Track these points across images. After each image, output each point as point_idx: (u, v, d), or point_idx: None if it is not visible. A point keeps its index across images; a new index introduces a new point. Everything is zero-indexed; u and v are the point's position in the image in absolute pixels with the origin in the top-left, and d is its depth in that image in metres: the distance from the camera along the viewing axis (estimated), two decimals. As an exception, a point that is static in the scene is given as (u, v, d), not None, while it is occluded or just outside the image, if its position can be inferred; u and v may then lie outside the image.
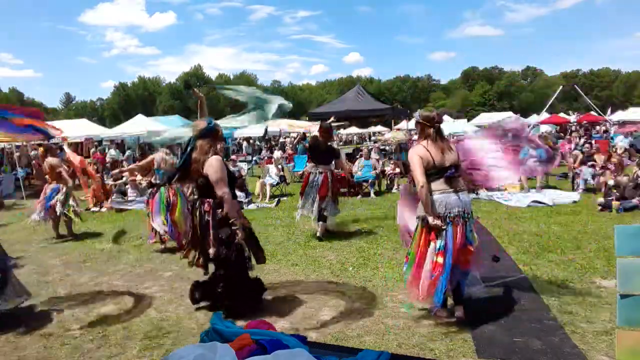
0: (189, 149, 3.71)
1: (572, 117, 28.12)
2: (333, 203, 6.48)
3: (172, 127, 4.12)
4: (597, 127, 24.54)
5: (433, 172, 3.41)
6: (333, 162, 6.69)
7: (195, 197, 3.83)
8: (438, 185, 3.42)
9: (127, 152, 18.68)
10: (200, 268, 3.81)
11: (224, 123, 4.19)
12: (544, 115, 23.49)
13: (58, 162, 7.28)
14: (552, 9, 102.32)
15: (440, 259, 3.31)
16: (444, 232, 3.34)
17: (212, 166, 3.54)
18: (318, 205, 6.29)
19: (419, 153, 3.43)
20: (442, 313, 3.54)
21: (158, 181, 6.24)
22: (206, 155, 3.60)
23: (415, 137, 25.52)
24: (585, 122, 27.57)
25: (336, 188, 6.65)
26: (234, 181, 3.91)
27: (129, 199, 10.48)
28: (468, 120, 37.11)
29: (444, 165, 3.43)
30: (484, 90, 70.53)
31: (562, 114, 29.25)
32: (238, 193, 6.40)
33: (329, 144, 6.62)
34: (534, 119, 24.50)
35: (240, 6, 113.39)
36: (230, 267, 3.68)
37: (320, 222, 6.37)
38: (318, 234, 6.36)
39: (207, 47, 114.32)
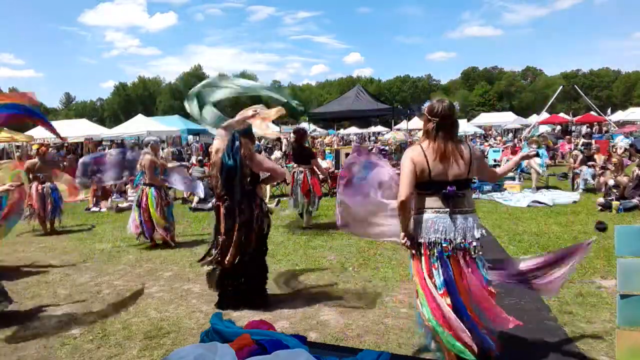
0: (235, 146, 3.82)
1: (569, 118, 28.12)
2: (315, 199, 7.24)
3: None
4: (596, 127, 24.52)
5: (427, 185, 2.62)
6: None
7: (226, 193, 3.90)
8: (432, 202, 2.62)
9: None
10: (227, 264, 3.86)
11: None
12: (544, 115, 23.50)
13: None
14: (551, 10, 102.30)
15: (448, 300, 2.51)
16: (440, 265, 2.55)
17: (259, 157, 4.00)
18: (302, 201, 7.14)
19: (413, 158, 2.61)
20: None
21: (141, 182, 6.57)
22: (251, 151, 3.94)
23: (415, 138, 25.35)
24: (585, 123, 27.57)
25: (315, 185, 7.22)
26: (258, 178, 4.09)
27: (129, 198, 10.48)
28: (468, 120, 37.11)
29: (444, 179, 2.59)
30: (484, 90, 70.51)
31: (562, 114, 29.22)
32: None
33: (305, 145, 7.63)
34: (534, 119, 24.52)
35: (240, 7, 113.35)
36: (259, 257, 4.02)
37: (305, 214, 7.27)
38: (304, 225, 7.23)
39: (207, 48, 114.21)
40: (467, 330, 2.46)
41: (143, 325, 3.68)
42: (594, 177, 9.65)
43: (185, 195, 10.90)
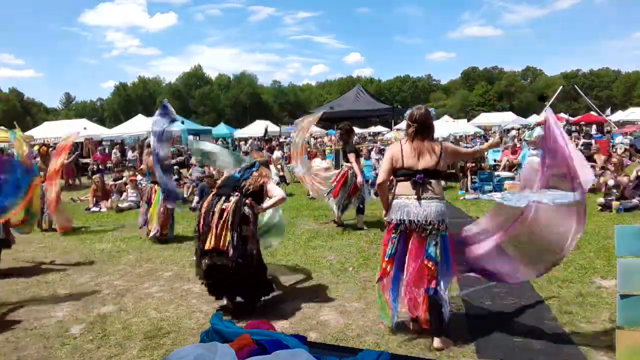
0: (251, 170, 4.13)
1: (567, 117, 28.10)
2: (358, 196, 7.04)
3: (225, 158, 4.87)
4: (595, 127, 24.52)
5: (400, 173, 3.24)
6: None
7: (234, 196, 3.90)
8: (402, 188, 3.23)
9: (130, 154, 18.69)
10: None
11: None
12: (544, 115, 23.47)
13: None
14: (551, 10, 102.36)
15: (388, 267, 3.21)
16: (395, 239, 3.18)
17: (269, 186, 4.09)
18: (345, 201, 7.04)
19: (392, 151, 3.31)
20: (409, 325, 3.37)
21: (149, 180, 6.94)
22: (266, 178, 4.10)
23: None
24: (583, 122, 27.56)
25: (354, 184, 6.91)
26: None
27: (129, 198, 10.48)
28: (468, 121, 37.11)
29: (414, 168, 3.18)
30: (484, 90, 70.50)
31: (562, 114, 29.21)
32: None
33: (348, 142, 7.16)
34: (534, 119, 24.50)
35: (240, 7, 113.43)
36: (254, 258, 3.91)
37: (359, 215, 7.14)
38: (358, 225, 7.11)
39: (207, 48, 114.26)
40: (390, 292, 3.22)
41: (143, 325, 3.68)
42: (593, 177, 9.65)
43: (185, 195, 10.89)
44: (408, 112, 3.35)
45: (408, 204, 3.15)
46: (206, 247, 3.67)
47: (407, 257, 3.15)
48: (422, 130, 3.22)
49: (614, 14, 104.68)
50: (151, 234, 6.65)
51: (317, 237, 6.58)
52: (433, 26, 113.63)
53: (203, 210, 3.89)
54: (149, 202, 6.76)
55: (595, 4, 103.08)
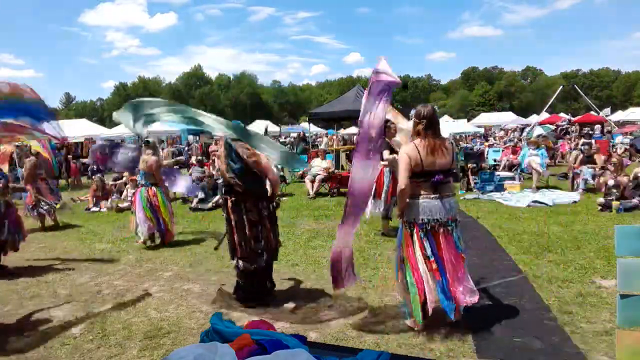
0: (234, 150, 3.94)
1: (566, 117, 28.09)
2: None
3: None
4: (595, 126, 24.51)
5: (420, 174, 3.22)
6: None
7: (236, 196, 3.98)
8: (423, 189, 3.24)
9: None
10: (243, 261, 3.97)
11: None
12: (544, 115, 23.50)
13: None
14: (551, 10, 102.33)
15: (434, 266, 3.20)
16: (427, 240, 3.20)
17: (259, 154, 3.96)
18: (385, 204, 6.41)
19: (408, 152, 3.23)
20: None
21: (142, 182, 6.49)
22: (254, 155, 3.92)
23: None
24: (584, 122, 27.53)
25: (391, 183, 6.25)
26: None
27: (129, 198, 10.47)
28: (468, 120, 37.11)
29: (433, 169, 3.22)
30: (484, 90, 70.51)
31: (562, 114, 29.22)
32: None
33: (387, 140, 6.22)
34: (534, 119, 24.51)
35: (240, 7, 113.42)
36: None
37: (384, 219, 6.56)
38: (383, 231, 6.56)
39: (207, 48, 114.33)
40: (434, 295, 3.18)
41: (143, 325, 3.68)
42: (594, 177, 9.64)
43: (185, 195, 10.89)
44: (414, 111, 3.37)
45: (431, 203, 3.21)
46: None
47: (442, 253, 3.21)
48: (431, 126, 3.25)
49: (614, 14, 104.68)
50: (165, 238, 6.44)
51: (317, 237, 6.57)
52: (433, 26, 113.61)
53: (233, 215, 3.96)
54: (155, 208, 6.30)
55: (595, 4, 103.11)
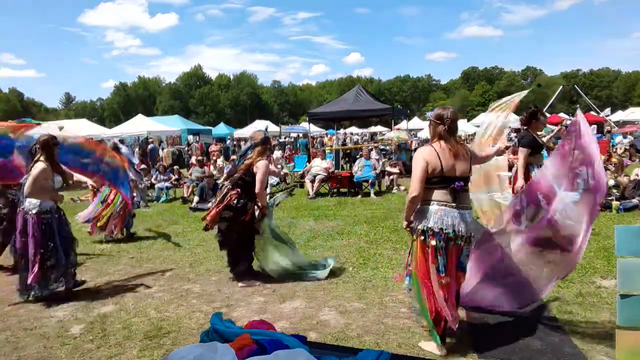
0: (248, 152, 4.69)
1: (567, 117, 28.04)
2: None
3: None
4: (591, 126, 24.53)
5: (438, 180, 2.93)
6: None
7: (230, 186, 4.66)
8: (440, 195, 2.94)
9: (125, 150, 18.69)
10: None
11: None
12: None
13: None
14: (550, 10, 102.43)
15: (445, 280, 2.91)
16: (442, 251, 2.89)
17: (260, 167, 4.56)
18: None
19: (426, 156, 2.93)
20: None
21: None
22: (260, 157, 4.61)
23: (415, 138, 25.19)
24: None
25: None
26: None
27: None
28: (468, 120, 37.09)
29: (453, 175, 2.94)
30: (484, 90, 70.53)
31: (562, 114, 29.19)
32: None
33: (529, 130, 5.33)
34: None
35: (240, 7, 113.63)
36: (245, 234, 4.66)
37: None
38: None
39: (207, 48, 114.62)
40: (446, 309, 2.87)
41: (143, 325, 3.68)
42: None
43: (185, 195, 10.90)
44: (430, 113, 3.17)
45: (449, 212, 2.90)
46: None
47: (450, 271, 2.95)
48: (453, 130, 3.01)
49: (613, 14, 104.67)
50: (105, 234, 6.68)
51: (317, 237, 6.57)
52: (433, 26, 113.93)
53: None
54: (104, 202, 6.66)
55: (595, 4, 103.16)
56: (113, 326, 3.69)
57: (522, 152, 5.14)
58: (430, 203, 2.94)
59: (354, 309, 3.86)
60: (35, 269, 4.13)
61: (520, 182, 5.13)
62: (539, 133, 5.46)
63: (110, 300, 4.32)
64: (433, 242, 2.88)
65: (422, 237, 2.94)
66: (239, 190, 4.58)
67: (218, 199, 4.68)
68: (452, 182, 2.92)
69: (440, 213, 2.90)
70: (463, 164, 2.98)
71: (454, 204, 2.92)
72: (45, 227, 4.23)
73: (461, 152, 2.99)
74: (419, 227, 2.96)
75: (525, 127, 5.28)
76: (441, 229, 2.87)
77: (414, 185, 2.92)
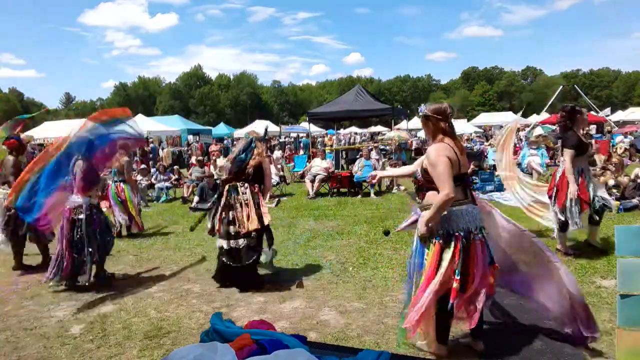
0: (252, 146, 4.63)
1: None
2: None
3: None
4: (590, 126, 24.50)
5: (455, 177, 2.75)
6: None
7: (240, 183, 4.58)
8: (458, 193, 2.77)
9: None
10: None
11: None
12: (544, 115, 23.49)
13: None
14: (550, 10, 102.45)
15: (455, 285, 2.72)
16: (464, 254, 2.74)
17: (267, 162, 4.73)
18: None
19: (448, 154, 2.73)
20: (442, 350, 2.96)
21: (115, 179, 7.11)
22: (261, 156, 4.66)
23: (415, 138, 25.13)
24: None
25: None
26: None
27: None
28: (468, 120, 37.11)
29: (465, 171, 2.88)
30: (484, 90, 70.54)
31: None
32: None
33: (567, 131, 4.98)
34: (534, 119, 24.50)
35: (240, 7, 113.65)
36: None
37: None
38: (593, 242, 5.28)
39: (207, 48, 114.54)
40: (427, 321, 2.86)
41: (143, 325, 3.68)
42: (594, 177, 9.64)
43: (185, 195, 10.90)
44: (423, 108, 2.94)
45: (467, 209, 2.80)
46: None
47: (471, 267, 2.77)
48: (453, 126, 2.93)
49: (613, 14, 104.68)
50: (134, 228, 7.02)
51: (317, 237, 6.57)
52: (433, 26, 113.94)
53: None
54: (123, 202, 6.92)
55: (595, 4, 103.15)
56: (113, 326, 3.69)
57: (568, 154, 4.76)
58: (453, 204, 2.76)
59: (354, 309, 3.86)
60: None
61: (574, 187, 4.73)
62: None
63: (110, 301, 4.32)
64: (459, 244, 2.73)
65: (443, 241, 2.77)
66: (256, 185, 4.60)
67: (245, 201, 4.44)
68: (464, 179, 2.86)
69: (461, 213, 2.78)
70: (466, 160, 2.93)
71: (467, 199, 2.85)
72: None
73: (463, 147, 2.94)
74: (441, 230, 2.78)
75: (568, 127, 4.90)
76: (466, 228, 2.76)
77: (447, 184, 2.65)
